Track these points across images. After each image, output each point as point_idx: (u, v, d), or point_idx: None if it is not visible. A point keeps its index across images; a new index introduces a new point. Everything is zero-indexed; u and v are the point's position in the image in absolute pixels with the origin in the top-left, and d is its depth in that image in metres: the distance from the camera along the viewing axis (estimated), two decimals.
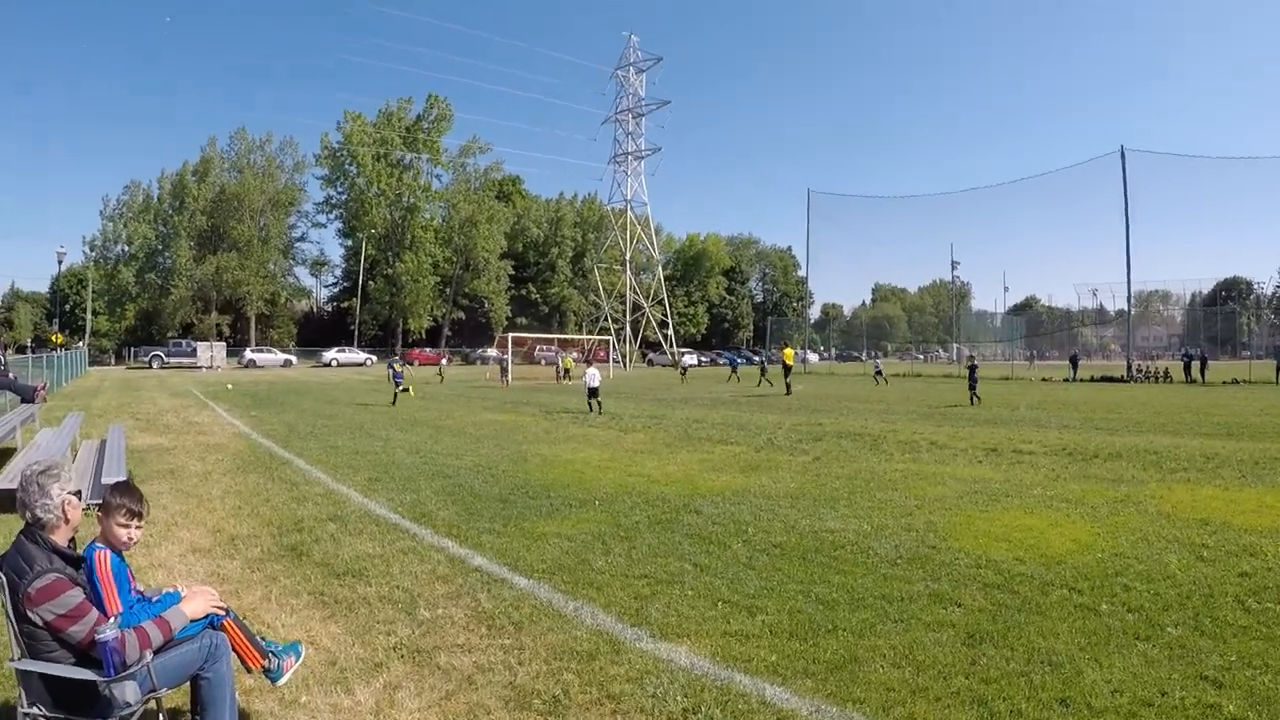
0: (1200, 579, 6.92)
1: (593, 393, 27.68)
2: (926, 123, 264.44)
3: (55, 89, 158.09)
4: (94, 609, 3.92)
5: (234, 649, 4.40)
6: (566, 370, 53.05)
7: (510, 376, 48.75)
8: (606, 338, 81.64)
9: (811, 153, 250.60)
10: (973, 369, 33.19)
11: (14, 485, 4.52)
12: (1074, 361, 58.66)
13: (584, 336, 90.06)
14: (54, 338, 62.04)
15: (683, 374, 57.77)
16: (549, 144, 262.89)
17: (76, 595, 3.87)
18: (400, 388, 32.13)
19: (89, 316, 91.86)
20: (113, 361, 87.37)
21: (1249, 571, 7.13)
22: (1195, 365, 50.36)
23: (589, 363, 34.81)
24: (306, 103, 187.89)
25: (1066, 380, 53.51)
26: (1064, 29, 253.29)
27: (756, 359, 72.41)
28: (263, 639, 4.70)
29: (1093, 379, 53.36)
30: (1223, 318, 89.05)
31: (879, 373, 53.46)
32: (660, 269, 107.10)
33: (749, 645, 5.58)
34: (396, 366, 33.25)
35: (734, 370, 58.30)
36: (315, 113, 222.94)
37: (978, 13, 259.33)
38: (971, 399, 31.25)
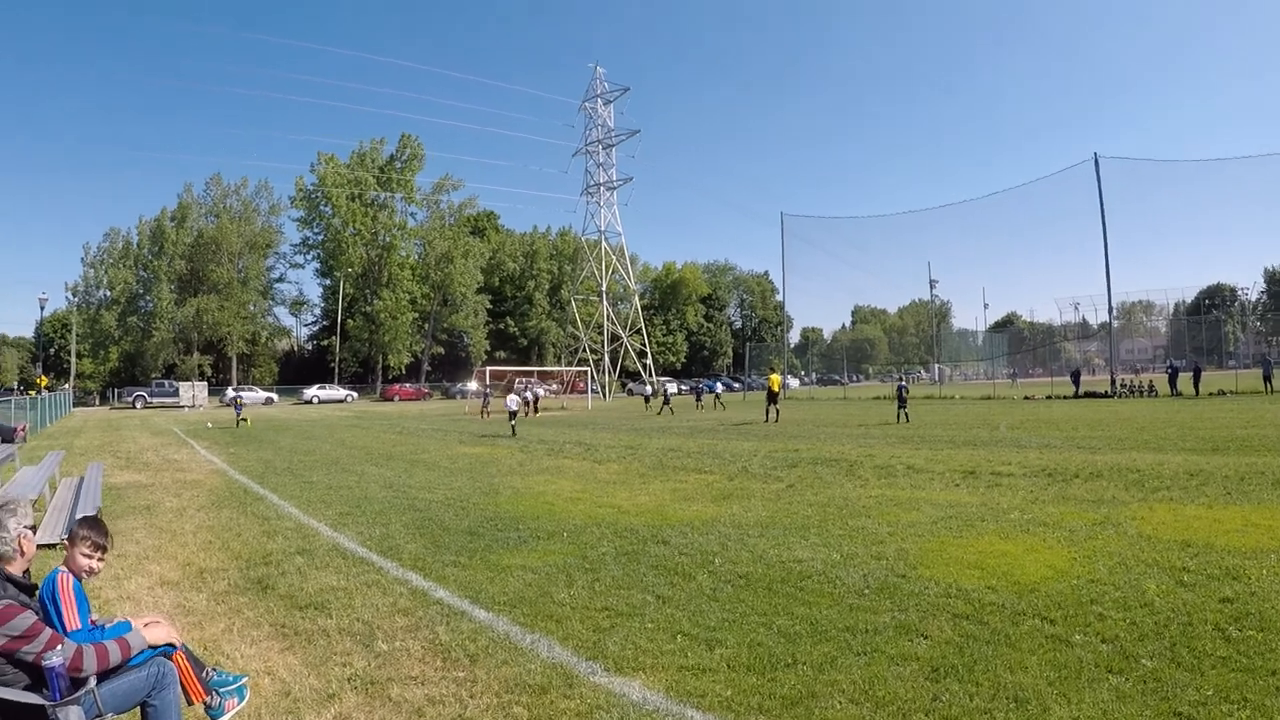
0: (1179, 606, 6.64)
1: (511, 415, 32.59)
2: (900, 141, 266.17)
3: (35, 139, 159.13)
4: (46, 630, 4.00)
5: (180, 681, 4.47)
6: (535, 399, 52.74)
7: (489, 409, 48.77)
8: (585, 369, 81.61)
9: (785, 176, 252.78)
10: (901, 389, 35.15)
11: None
12: (1075, 378, 57.08)
13: (563, 368, 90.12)
14: (39, 380, 62.59)
15: (646, 402, 57.53)
16: (522, 178, 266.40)
17: (29, 618, 3.95)
18: (240, 416, 41.79)
19: (73, 359, 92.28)
20: (97, 402, 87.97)
21: (1231, 597, 6.84)
22: (1184, 378, 49.38)
23: (508, 390, 36.99)
24: (280, 146, 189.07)
25: (1049, 398, 52.98)
26: (1037, 39, 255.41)
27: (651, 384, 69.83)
28: (214, 670, 4.83)
29: (1076, 395, 52.93)
30: (1207, 327, 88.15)
31: (649, 398, 52.72)
32: (637, 299, 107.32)
33: (704, 679, 5.43)
34: (239, 401, 44.66)
35: (699, 398, 56.72)
36: (289, 156, 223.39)
37: (950, 30, 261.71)
38: (898, 417, 33.09)
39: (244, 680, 4.92)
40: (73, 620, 4.30)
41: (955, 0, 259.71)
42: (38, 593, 4.35)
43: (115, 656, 4.11)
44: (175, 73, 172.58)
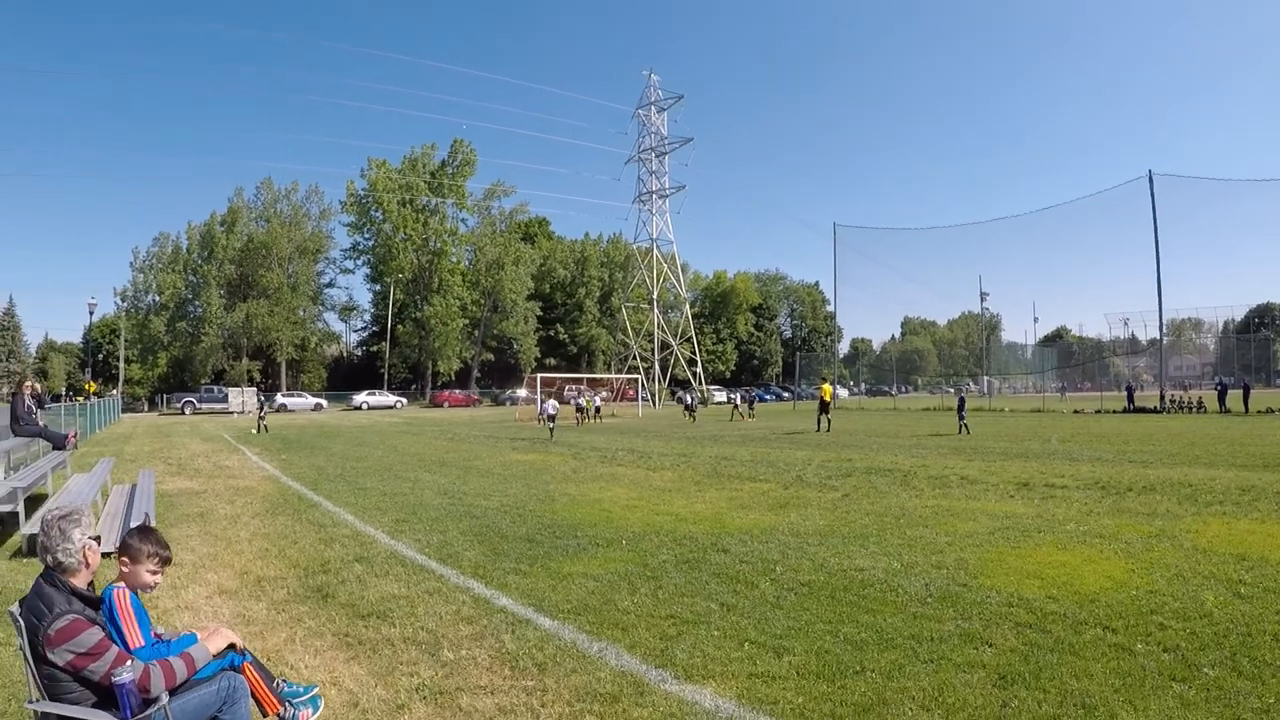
0: (1238, 617, 6.69)
1: (550, 419, 35.54)
2: (953, 153, 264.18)
3: (82, 145, 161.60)
4: (114, 646, 3.96)
5: (251, 693, 4.44)
6: (596, 409, 52.83)
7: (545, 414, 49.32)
8: (635, 376, 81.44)
9: (839, 187, 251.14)
10: (961, 401, 36.24)
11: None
12: (1130, 392, 57.03)
13: (613, 375, 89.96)
14: (88, 386, 63.02)
15: (687, 410, 57.63)
16: (574, 185, 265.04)
17: (96, 634, 3.91)
18: (262, 422, 43.42)
19: (122, 365, 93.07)
20: (146, 408, 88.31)
21: None
22: (1233, 395, 49.25)
23: (549, 396, 39.14)
24: (329, 151, 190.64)
25: (1099, 412, 52.54)
26: (1091, 54, 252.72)
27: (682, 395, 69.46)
28: (284, 681, 4.79)
29: (1126, 410, 52.54)
30: (1256, 345, 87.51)
31: (689, 407, 52.80)
32: (687, 307, 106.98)
33: (775, 687, 5.46)
34: (264, 408, 46.79)
35: (747, 406, 56.99)
36: (339, 161, 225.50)
37: (1003, 43, 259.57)
38: (960, 429, 33.44)
39: (315, 690, 4.93)
40: (135, 638, 4.24)
41: (1011, 15, 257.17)
42: (102, 606, 4.25)
43: (181, 672, 4.09)
44: (229, 79, 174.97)
